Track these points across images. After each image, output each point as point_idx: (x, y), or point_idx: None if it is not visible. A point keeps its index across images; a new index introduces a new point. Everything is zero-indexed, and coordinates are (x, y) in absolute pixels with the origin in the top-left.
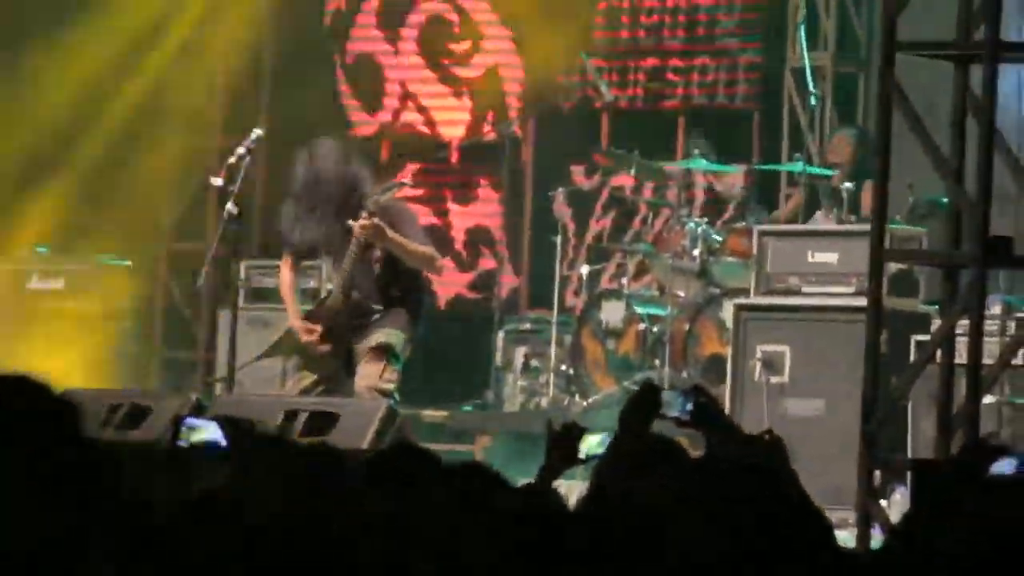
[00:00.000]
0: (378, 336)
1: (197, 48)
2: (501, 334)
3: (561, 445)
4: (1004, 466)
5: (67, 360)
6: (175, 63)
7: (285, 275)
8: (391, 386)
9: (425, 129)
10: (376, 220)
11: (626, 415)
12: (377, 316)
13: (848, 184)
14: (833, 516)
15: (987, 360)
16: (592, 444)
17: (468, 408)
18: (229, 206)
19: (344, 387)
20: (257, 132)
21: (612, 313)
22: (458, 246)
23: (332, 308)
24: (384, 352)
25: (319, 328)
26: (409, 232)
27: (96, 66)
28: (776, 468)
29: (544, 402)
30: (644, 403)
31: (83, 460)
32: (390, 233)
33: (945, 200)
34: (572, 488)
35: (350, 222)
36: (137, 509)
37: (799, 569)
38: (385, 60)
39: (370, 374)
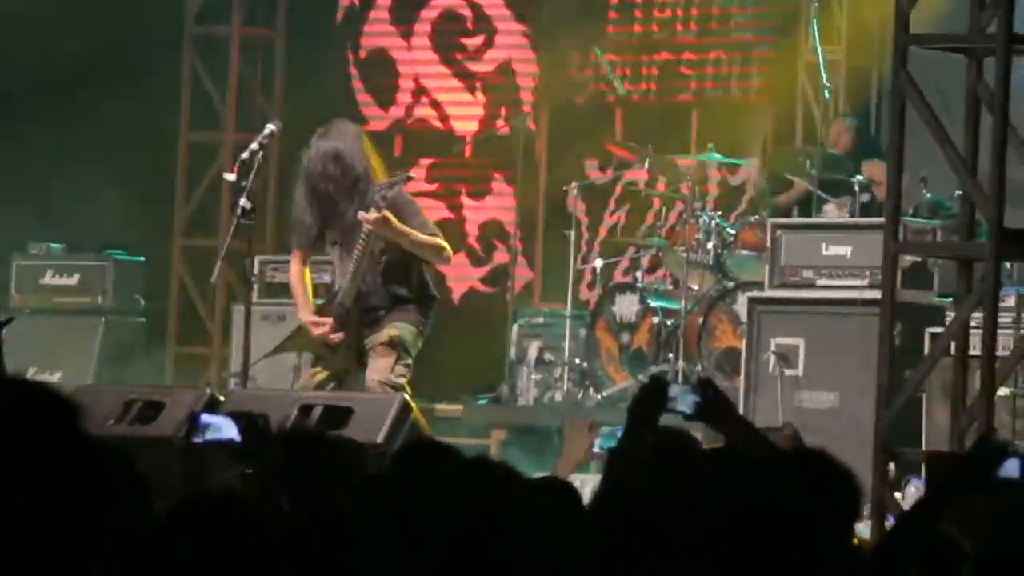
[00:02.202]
0: (389, 330)
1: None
2: (515, 328)
3: (575, 441)
4: (1011, 468)
5: (81, 356)
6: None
7: (295, 268)
8: (402, 380)
9: (438, 124)
10: (383, 212)
11: (633, 409)
12: (386, 311)
13: (860, 176)
14: None
15: (1001, 352)
16: (607, 437)
17: (482, 402)
18: (242, 201)
19: (358, 381)
20: (270, 127)
21: (626, 307)
22: (472, 240)
23: (342, 303)
24: (395, 346)
25: (329, 321)
26: (414, 224)
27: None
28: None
29: (558, 396)
30: (650, 397)
31: (84, 460)
32: (396, 225)
33: (948, 203)
34: (586, 481)
35: (360, 214)
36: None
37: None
38: (398, 55)
39: (381, 368)
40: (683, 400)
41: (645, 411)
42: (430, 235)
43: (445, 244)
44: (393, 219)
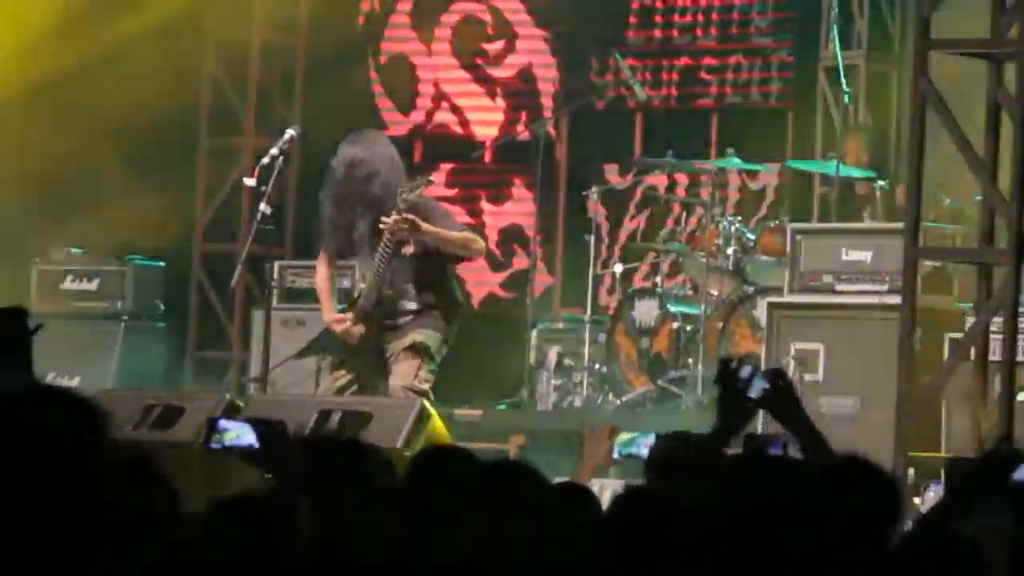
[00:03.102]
0: (414, 336)
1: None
2: (535, 333)
3: (594, 447)
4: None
5: (100, 361)
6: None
7: (321, 271)
8: (426, 385)
9: (459, 129)
10: (408, 215)
11: (722, 396)
12: (411, 317)
13: (881, 183)
14: None
15: (1021, 357)
16: (626, 443)
17: (502, 407)
18: (263, 206)
19: (379, 388)
20: (291, 132)
21: (646, 312)
22: (492, 245)
23: (364, 308)
24: (419, 352)
25: (350, 316)
26: (442, 225)
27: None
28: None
29: (578, 401)
30: (723, 377)
31: (109, 464)
32: (424, 225)
33: (968, 209)
34: (605, 486)
35: (382, 219)
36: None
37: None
38: (418, 60)
39: (405, 373)
40: (754, 385)
41: (729, 393)
42: (459, 231)
43: (475, 236)
44: (416, 220)
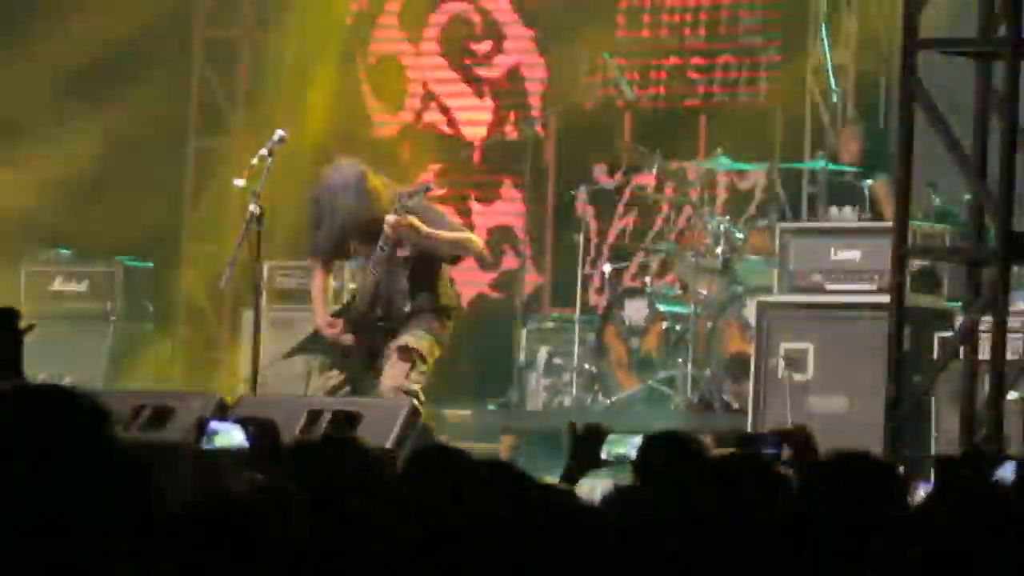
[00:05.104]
0: (406, 337)
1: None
2: (524, 333)
3: (584, 447)
4: (1006, 470)
5: (90, 362)
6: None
7: (318, 280)
8: (417, 386)
9: (447, 129)
10: (409, 218)
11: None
12: (404, 319)
13: (869, 180)
14: None
15: (1011, 356)
16: (615, 443)
17: (492, 407)
18: (252, 207)
19: (371, 390)
20: (280, 133)
21: (635, 311)
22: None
23: (357, 308)
24: (411, 353)
25: (340, 322)
26: (437, 226)
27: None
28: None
29: (567, 401)
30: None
31: (113, 464)
32: (424, 229)
33: (956, 210)
34: (596, 486)
35: (386, 218)
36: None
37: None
38: (407, 60)
39: (396, 374)
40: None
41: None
42: (456, 231)
43: (473, 236)
44: (416, 223)
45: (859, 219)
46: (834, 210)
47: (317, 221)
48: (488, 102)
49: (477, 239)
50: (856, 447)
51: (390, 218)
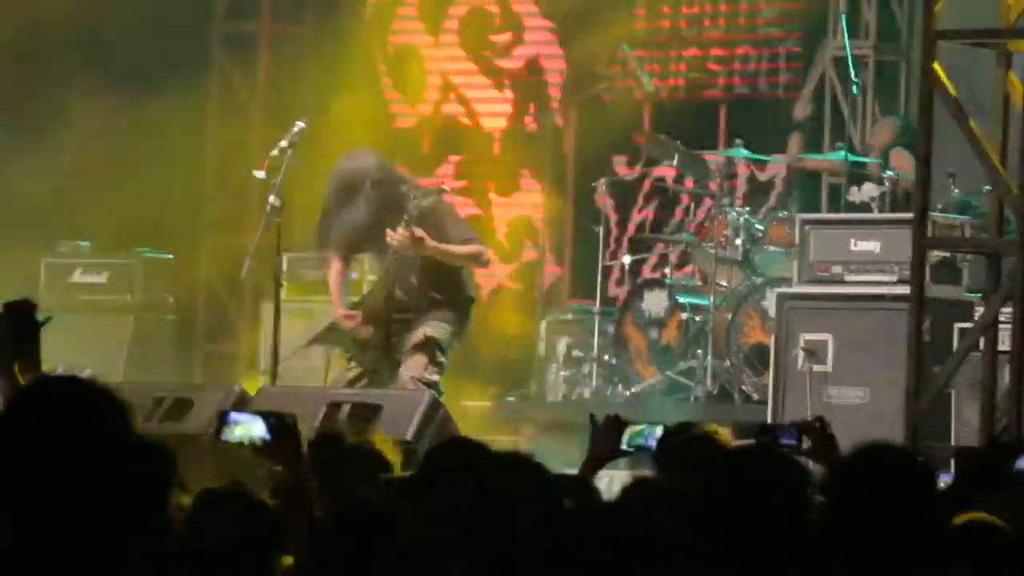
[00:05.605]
0: (425, 329)
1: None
2: (543, 324)
3: (604, 438)
4: None
5: (110, 354)
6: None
7: (335, 270)
8: (436, 378)
9: (466, 120)
10: (414, 232)
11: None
12: (422, 312)
13: (889, 172)
14: None
15: None
16: (635, 434)
17: (511, 398)
18: (272, 198)
19: (389, 382)
20: (300, 124)
21: (654, 303)
22: (500, 237)
23: (375, 305)
24: (429, 344)
25: (358, 314)
26: (452, 232)
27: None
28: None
29: (587, 392)
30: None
31: (136, 456)
32: (430, 244)
33: (976, 201)
34: (615, 477)
35: (388, 234)
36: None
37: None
38: (426, 51)
39: (415, 366)
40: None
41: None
42: (465, 241)
43: (482, 249)
44: (423, 237)
45: (880, 196)
46: (854, 188)
47: (329, 211)
48: (507, 93)
49: (486, 251)
50: (876, 438)
51: (396, 235)
